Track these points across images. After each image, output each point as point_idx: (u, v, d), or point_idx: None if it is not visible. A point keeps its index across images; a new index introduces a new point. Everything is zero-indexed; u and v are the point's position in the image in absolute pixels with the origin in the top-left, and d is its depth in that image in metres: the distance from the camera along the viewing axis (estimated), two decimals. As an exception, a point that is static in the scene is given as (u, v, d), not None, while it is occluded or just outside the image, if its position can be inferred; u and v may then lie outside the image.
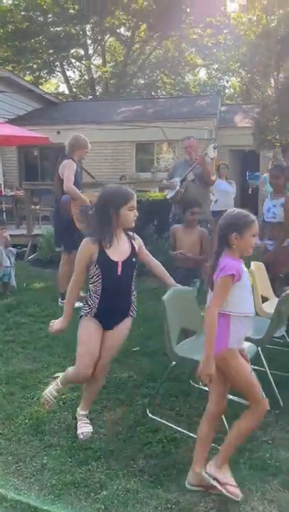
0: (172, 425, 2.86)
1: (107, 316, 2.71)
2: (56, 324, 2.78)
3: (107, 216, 2.60)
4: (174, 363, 3.08)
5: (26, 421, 2.90)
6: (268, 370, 3.16)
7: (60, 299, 5.25)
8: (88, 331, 2.69)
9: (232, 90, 29.01)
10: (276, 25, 23.79)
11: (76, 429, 2.77)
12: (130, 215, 2.65)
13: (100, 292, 2.67)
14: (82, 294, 5.41)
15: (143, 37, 23.71)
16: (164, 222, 6.38)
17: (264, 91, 8.66)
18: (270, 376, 3.15)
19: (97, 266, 2.63)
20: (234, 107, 17.83)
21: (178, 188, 5.76)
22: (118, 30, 24.08)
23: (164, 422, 2.90)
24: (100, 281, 2.65)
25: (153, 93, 26.04)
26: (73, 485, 2.34)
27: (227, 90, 28.81)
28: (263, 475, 2.41)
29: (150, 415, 2.98)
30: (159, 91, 26.97)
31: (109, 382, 3.38)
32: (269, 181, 5.18)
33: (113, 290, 2.68)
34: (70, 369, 2.77)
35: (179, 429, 2.81)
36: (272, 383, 3.13)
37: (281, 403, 3.08)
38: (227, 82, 29.49)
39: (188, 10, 21.08)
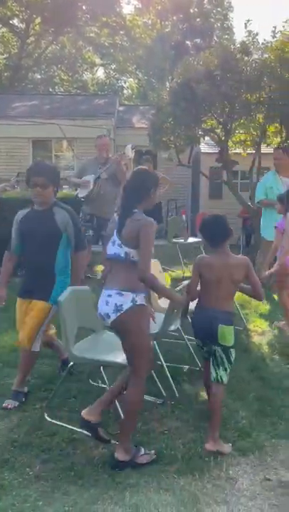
0: (71, 427, 2.82)
1: None
2: None
3: None
4: (72, 363, 3.05)
5: None
6: (163, 363, 3.27)
7: None
8: None
9: (130, 91, 29.52)
10: (170, 31, 24.77)
11: None
12: None
13: None
14: None
15: (38, 30, 23.00)
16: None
17: (159, 93, 8.92)
18: (166, 369, 3.27)
19: None
20: (132, 107, 18.13)
21: (91, 186, 5.71)
22: (11, 22, 23.04)
23: (63, 424, 2.85)
24: None
25: (50, 89, 25.43)
26: None
27: (125, 91, 29.23)
28: (160, 465, 2.49)
29: (48, 419, 2.91)
30: (56, 87, 26.42)
31: (4, 389, 3.24)
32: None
33: None
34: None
35: (77, 429, 2.78)
36: (168, 375, 3.26)
37: (176, 394, 3.21)
38: (125, 82, 29.95)
39: (83, 7, 20.96)
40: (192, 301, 2.91)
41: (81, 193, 5.90)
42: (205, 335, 2.73)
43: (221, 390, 2.71)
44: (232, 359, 2.73)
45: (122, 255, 2.51)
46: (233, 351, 2.73)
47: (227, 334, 2.68)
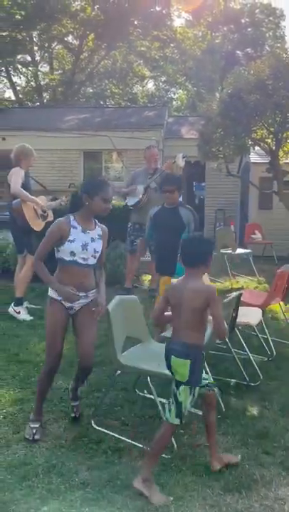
0: (117, 435, 2.83)
1: None
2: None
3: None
4: (118, 372, 3.07)
5: None
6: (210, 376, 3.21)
7: (13, 305, 5.13)
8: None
9: (179, 102, 29.70)
10: (220, 42, 24.77)
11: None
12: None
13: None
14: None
15: (91, 46, 23.75)
16: (119, 230, 6.27)
17: (208, 104, 8.90)
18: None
19: None
20: (181, 118, 18.22)
21: (141, 195, 5.81)
22: (66, 39, 23.95)
23: (109, 432, 2.87)
24: None
25: (101, 102, 26.10)
26: (12, 503, 2.25)
27: (174, 102, 29.45)
28: (206, 480, 2.45)
29: (95, 426, 2.94)
30: (107, 100, 27.09)
31: (54, 394, 3.30)
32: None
33: None
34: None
35: (123, 438, 2.79)
36: (215, 389, 3.19)
37: (223, 408, 3.14)
38: (174, 94, 30.18)
39: (135, 22, 21.41)
40: (157, 327, 3.04)
41: (130, 202, 6.00)
42: (167, 365, 2.49)
43: (166, 430, 2.41)
44: (179, 399, 2.37)
45: None
46: (183, 390, 2.38)
47: (178, 367, 2.40)
